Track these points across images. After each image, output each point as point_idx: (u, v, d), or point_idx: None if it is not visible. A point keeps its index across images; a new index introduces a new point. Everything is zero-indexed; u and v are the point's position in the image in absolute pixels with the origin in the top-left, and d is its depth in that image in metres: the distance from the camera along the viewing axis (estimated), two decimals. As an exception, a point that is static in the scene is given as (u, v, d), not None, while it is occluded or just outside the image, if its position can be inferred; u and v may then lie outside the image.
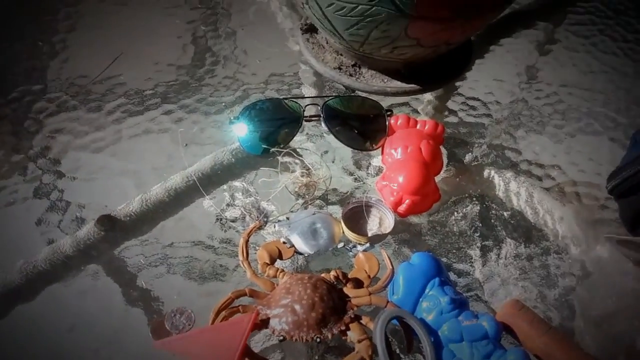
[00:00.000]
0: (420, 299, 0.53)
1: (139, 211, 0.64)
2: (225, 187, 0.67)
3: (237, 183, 0.68)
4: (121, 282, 0.59)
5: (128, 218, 0.63)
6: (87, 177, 0.69)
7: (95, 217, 0.62)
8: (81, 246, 0.61)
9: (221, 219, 0.64)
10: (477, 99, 0.79)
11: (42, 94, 0.79)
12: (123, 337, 0.56)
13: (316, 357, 0.53)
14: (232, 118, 0.69)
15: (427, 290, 0.53)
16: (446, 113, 0.77)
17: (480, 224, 0.64)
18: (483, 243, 0.62)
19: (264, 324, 0.51)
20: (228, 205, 0.64)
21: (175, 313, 0.54)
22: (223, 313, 0.51)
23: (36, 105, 0.77)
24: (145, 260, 0.61)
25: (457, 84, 0.81)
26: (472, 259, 0.61)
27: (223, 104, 0.78)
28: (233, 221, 0.63)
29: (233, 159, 0.70)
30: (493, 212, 0.65)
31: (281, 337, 0.50)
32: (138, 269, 0.60)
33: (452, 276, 0.59)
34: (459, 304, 0.52)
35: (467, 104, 0.78)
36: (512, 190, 0.63)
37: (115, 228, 0.62)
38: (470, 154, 0.71)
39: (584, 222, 0.63)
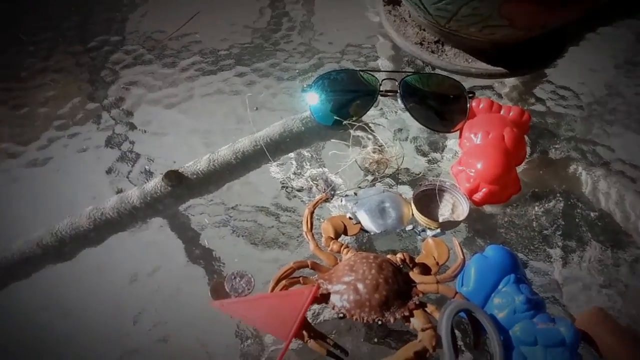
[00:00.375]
0: (492, 295, 0.50)
1: (206, 170, 0.63)
2: (293, 155, 0.66)
3: (305, 152, 0.66)
4: (184, 239, 0.59)
5: (195, 176, 0.63)
6: (158, 131, 0.69)
7: (163, 171, 0.62)
8: (148, 198, 0.61)
9: (287, 187, 0.62)
10: (569, 89, 0.73)
11: (119, 45, 0.80)
12: (182, 292, 0.56)
13: (375, 340, 0.51)
14: (305, 86, 0.67)
15: (500, 286, 0.50)
16: (532, 101, 0.72)
17: (563, 222, 0.59)
18: (565, 243, 0.58)
19: (324, 298, 0.49)
20: (295, 173, 0.63)
21: (236, 276, 0.54)
22: (283, 282, 0.50)
23: (113, 56, 0.78)
24: (209, 220, 0.60)
25: (547, 70, 0.75)
26: (551, 258, 0.57)
27: (297, 70, 0.76)
28: (299, 190, 0.62)
29: (303, 128, 0.68)
30: (578, 210, 0.60)
31: (341, 315, 0.48)
32: (201, 227, 0.60)
33: (528, 274, 0.55)
34: (535, 305, 0.48)
35: (557, 93, 0.73)
36: (602, 190, 0.58)
37: (181, 184, 0.62)
38: (556, 146, 0.66)
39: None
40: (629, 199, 0.57)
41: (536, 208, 0.61)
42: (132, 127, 0.69)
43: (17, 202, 0.63)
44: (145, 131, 0.69)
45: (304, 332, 0.47)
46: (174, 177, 0.61)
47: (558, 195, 0.62)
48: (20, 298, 0.55)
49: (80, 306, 0.55)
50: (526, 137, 0.64)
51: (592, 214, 0.60)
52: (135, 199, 0.60)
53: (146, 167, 0.65)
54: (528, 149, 0.64)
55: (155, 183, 0.62)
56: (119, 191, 0.62)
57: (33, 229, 0.58)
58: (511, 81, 0.74)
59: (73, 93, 0.73)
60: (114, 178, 0.64)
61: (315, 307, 0.52)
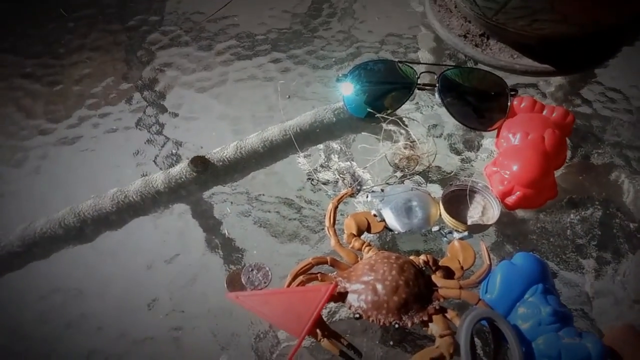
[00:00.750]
0: (517, 304, 0.47)
1: (233, 158, 0.63)
2: (321, 146, 0.64)
3: (334, 144, 0.64)
4: (205, 227, 0.59)
5: (221, 163, 0.62)
6: (188, 115, 0.69)
7: (190, 156, 0.62)
8: (172, 184, 0.61)
9: (312, 179, 0.61)
10: (619, 91, 0.69)
11: (157, 25, 0.80)
12: (198, 281, 0.55)
13: (391, 343, 0.50)
14: (340, 75, 0.66)
15: (526, 296, 0.47)
16: (578, 102, 0.68)
17: (600, 232, 0.56)
18: (599, 254, 0.55)
19: (341, 297, 0.48)
20: (322, 166, 0.61)
21: (253, 268, 0.53)
22: (301, 278, 0.49)
23: (151, 36, 0.78)
24: (232, 209, 0.60)
25: (597, 71, 0.71)
26: (583, 269, 0.54)
27: (333, 59, 0.75)
28: (325, 183, 0.60)
29: (334, 119, 0.66)
30: (617, 220, 0.57)
31: (357, 315, 0.47)
32: (223, 216, 0.59)
33: (558, 285, 0.52)
34: (562, 318, 0.46)
35: (606, 95, 0.69)
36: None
37: (207, 171, 0.61)
38: (599, 151, 0.63)
39: None
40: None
41: (572, 215, 0.58)
42: (163, 109, 0.69)
43: (43, 179, 0.64)
44: (175, 115, 0.69)
45: (318, 331, 0.46)
46: (200, 163, 0.61)
47: (597, 203, 0.58)
48: (37, 277, 0.56)
49: (96, 289, 0.55)
50: (568, 140, 0.61)
51: (631, 225, 0.56)
52: (159, 183, 0.60)
53: (173, 151, 0.65)
54: (569, 153, 0.60)
55: (180, 168, 0.61)
56: (145, 174, 0.62)
57: (56, 208, 0.59)
58: (557, 80, 0.70)
59: (108, 72, 0.74)
60: (141, 160, 0.64)
61: (332, 305, 0.51)
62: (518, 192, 0.55)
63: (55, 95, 0.72)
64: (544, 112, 0.60)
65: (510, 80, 0.65)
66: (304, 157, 0.62)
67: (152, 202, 0.60)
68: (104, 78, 0.73)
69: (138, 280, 0.56)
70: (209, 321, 0.52)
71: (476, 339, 0.48)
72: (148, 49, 0.76)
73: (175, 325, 0.52)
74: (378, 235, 0.56)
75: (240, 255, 0.56)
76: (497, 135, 0.61)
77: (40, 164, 0.65)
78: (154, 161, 0.64)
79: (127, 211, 0.59)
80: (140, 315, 0.53)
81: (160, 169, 0.63)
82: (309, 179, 0.61)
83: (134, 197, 0.60)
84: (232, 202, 0.60)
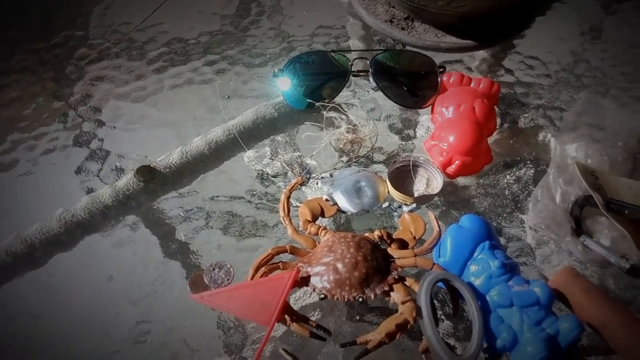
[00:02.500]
0: (469, 263, 0.51)
1: (179, 163, 0.63)
2: (267, 141, 0.65)
3: (279, 138, 0.66)
4: (160, 234, 0.59)
5: (168, 169, 0.62)
6: (128, 126, 0.68)
7: (135, 167, 0.61)
8: (120, 196, 0.60)
9: (262, 174, 0.62)
10: (536, 58, 0.74)
11: (84, 40, 0.78)
12: (161, 288, 0.55)
13: (357, 317, 0.52)
14: (276, 71, 0.67)
15: (476, 254, 0.51)
16: (502, 72, 0.73)
17: (534, 188, 0.60)
18: (537, 208, 0.59)
19: (304, 281, 0.50)
20: (270, 160, 0.62)
21: (214, 267, 0.53)
22: (263, 269, 0.50)
23: (78, 51, 0.77)
24: (184, 213, 0.60)
25: (515, 41, 0.75)
26: (523, 223, 0.58)
27: (267, 55, 0.76)
28: (274, 176, 0.61)
29: (276, 113, 0.67)
30: (548, 176, 0.61)
31: (322, 296, 0.48)
32: (177, 221, 0.59)
33: (502, 241, 0.55)
34: (510, 269, 0.49)
35: (525, 63, 0.73)
36: (569, 155, 0.58)
37: (154, 179, 0.61)
38: (525, 115, 0.67)
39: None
40: (595, 159, 0.57)
41: (507, 177, 0.61)
42: (101, 123, 0.68)
43: (-18, 209, 0.61)
44: (114, 127, 0.68)
45: (287, 317, 0.47)
46: (146, 173, 0.60)
47: (528, 162, 0.62)
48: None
49: (56, 312, 0.54)
50: (496, 108, 0.65)
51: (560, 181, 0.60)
52: (107, 197, 0.59)
53: (117, 164, 0.64)
54: (498, 120, 0.64)
55: (127, 180, 0.61)
56: (90, 191, 0.61)
57: (1, 237, 0.57)
58: (480, 54, 0.74)
59: (37, 92, 0.72)
60: (84, 178, 0.63)
61: (297, 293, 0.52)
62: (457, 161, 0.58)
63: (-16, 122, 0.69)
64: (472, 85, 0.63)
65: (438, 58, 0.68)
66: (251, 153, 0.63)
67: (101, 217, 0.59)
68: (34, 99, 0.71)
69: (98, 296, 0.55)
70: (176, 326, 0.52)
71: (436, 301, 0.51)
72: (77, 65, 0.75)
73: (144, 335, 0.52)
74: (332, 218, 0.58)
75: (200, 257, 0.57)
76: (432, 111, 0.64)
77: (-24, 194, 0.63)
78: (98, 176, 0.63)
79: (76, 230, 0.58)
80: (105, 331, 0.52)
81: (106, 183, 0.62)
82: (259, 174, 0.62)
83: (82, 214, 0.58)
84: (184, 207, 0.60)
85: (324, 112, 0.63)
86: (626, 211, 0.52)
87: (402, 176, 0.61)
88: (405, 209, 0.57)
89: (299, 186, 0.59)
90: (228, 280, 0.53)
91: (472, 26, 0.71)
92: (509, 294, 0.47)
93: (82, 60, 0.75)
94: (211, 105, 0.70)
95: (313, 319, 0.49)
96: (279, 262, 0.51)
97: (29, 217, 0.58)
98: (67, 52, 0.76)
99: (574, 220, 0.55)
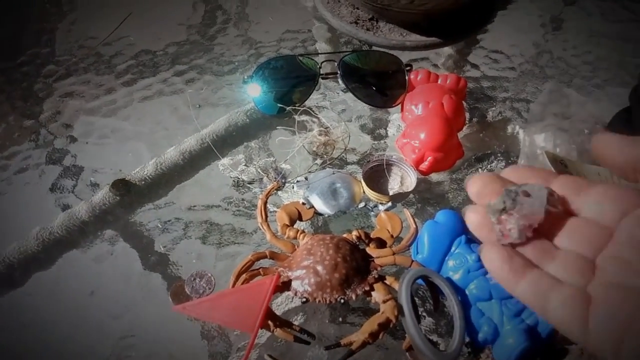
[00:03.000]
0: (446, 258, 0.51)
1: (154, 175, 0.63)
2: (241, 148, 0.66)
3: (253, 144, 0.66)
4: (139, 247, 0.59)
5: (143, 182, 0.62)
6: (100, 141, 0.68)
7: (109, 181, 0.61)
8: (97, 211, 0.60)
9: (238, 181, 0.62)
10: (500, 52, 0.76)
11: (50, 57, 0.77)
12: (142, 302, 0.55)
13: (340, 319, 0.52)
14: (245, 77, 0.67)
15: (453, 249, 0.51)
16: (468, 67, 0.74)
17: (506, 181, 0.61)
18: (510, 200, 0.60)
19: (285, 286, 0.50)
20: (245, 166, 0.63)
21: (195, 277, 0.54)
22: (243, 276, 0.50)
23: (45, 69, 0.76)
24: (162, 225, 0.60)
25: (479, 36, 0.77)
26: (498, 216, 0.59)
27: (236, 63, 0.76)
28: (250, 183, 0.62)
29: (248, 120, 0.68)
30: (519, 168, 0.62)
31: (304, 299, 0.49)
32: (155, 233, 0.59)
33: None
34: (487, 262, 0.50)
35: (490, 57, 0.75)
36: (538, 145, 0.60)
37: (130, 192, 0.61)
38: (493, 108, 0.69)
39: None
40: (563, 148, 0.59)
41: (480, 170, 0.63)
42: (73, 139, 0.68)
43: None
44: (86, 142, 0.68)
45: (270, 322, 0.47)
46: (122, 186, 0.60)
47: (499, 155, 0.64)
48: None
49: (38, 331, 0.54)
50: (464, 103, 0.66)
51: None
52: (83, 213, 0.59)
53: (91, 179, 0.64)
54: (467, 114, 0.66)
55: (102, 194, 0.60)
56: (66, 207, 0.61)
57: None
58: (446, 50, 0.76)
59: (6, 112, 0.71)
60: (59, 195, 0.63)
61: (279, 298, 0.53)
62: (429, 158, 0.59)
63: (-47, 145, 0.68)
64: (439, 81, 0.64)
65: (404, 56, 0.69)
66: (226, 161, 0.63)
67: (79, 233, 0.59)
68: (4, 118, 0.70)
69: (81, 313, 0.54)
70: (160, 338, 0.53)
71: (416, 299, 0.51)
72: (45, 82, 0.74)
73: (128, 349, 0.52)
74: (310, 221, 0.58)
75: (180, 268, 0.57)
76: (402, 110, 0.65)
77: (-50, 217, 0.62)
78: (73, 192, 0.63)
79: (55, 247, 0.58)
80: (90, 347, 0.52)
81: (81, 199, 0.61)
82: (234, 181, 0.62)
83: (60, 231, 0.58)
84: (161, 219, 0.60)
85: (295, 116, 0.64)
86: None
87: (377, 175, 0.62)
88: (381, 207, 0.58)
89: (275, 191, 0.59)
90: (210, 289, 0.53)
91: (435, 24, 0.72)
92: (488, 287, 0.48)
93: (50, 77, 0.75)
94: (183, 115, 0.70)
95: (296, 323, 0.49)
96: (259, 268, 0.51)
97: (5, 237, 0.58)
98: (34, 69, 0.76)
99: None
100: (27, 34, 0.82)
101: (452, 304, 0.48)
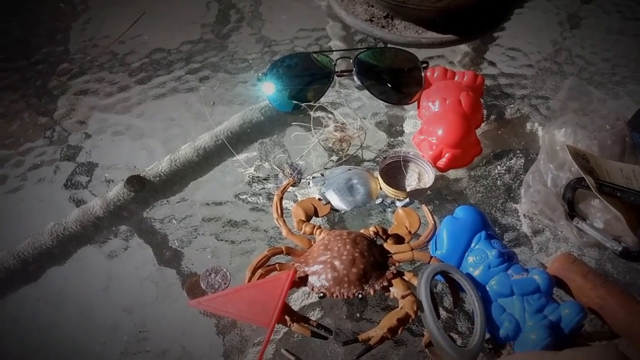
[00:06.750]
0: (466, 254, 0.51)
1: (169, 171, 0.62)
2: (256, 145, 0.65)
3: (268, 140, 0.65)
4: (153, 243, 0.58)
5: (157, 178, 0.62)
6: (114, 138, 0.68)
7: (124, 177, 0.60)
8: (111, 207, 0.59)
9: (253, 177, 0.61)
10: (518, 49, 0.75)
11: (65, 55, 0.77)
12: (157, 297, 0.54)
13: (358, 315, 0.51)
14: (260, 75, 0.67)
15: (473, 245, 0.51)
16: (484, 65, 0.73)
17: (525, 177, 0.60)
18: (530, 197, 0.59)
19: (302, 281, 0.49)
20: (260, 163, 0.62)
21: (211, 272, 0.53)
22: (259, 271, 0.49)
23: (60, 67, 0.76)
24: (177, 221, 0.59)
25: (495, 34, 0.76)
26: (518, 213, 0.58)
27: (250, 61, 0.76)
28: (266, 179, 0.61)
29: (262, 117, 0.67)
30: (539, 165, 0.61)
31: (321, 294, 0.48)
32: (170, 229, 0.59)
33: (498, 231, 0.56)
34: (508, 258, 0.49)
35: (507, 55, 0.74)
36: (558, 141, 0.59)
37: (145, 188, 0.60)
38: (512, 106, 0.68)
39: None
40: (584, 144, 0.58)
41: (498, 167, 0.62)
42: (87, 136, 0.68)
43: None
44: (101, 139, 0.67)
45: (286, 317, 0.46)
46: (136, 182, 0.60)
47: (518, 152, 0.63)
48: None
49: (52, 325, 0.53)
50: (482, 100, 0.65)
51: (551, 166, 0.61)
52: (98, 209, 0.59)
53: (106, 175, 0.63)
54: (485, 111, 0.65)
55: (117, 191, 0.60)
56: (80, 203, 0.60)
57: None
58: (462, 48, 0.75)
59: (21, 109, 0.71)
60: (73, 191, 0.62)
61: (296, 293, 0.52)
62: (447, 154, 0.58)
63: (-30, 140, 0.68)
64: (456, 78, 0.64)
65: (420, 54, 0.68)
66: (241, 158, 0.62)
67: (93, 229, 0.58)
68: (19, 115, 0.70)
69: (95, 308, 0.54)
70: (175, 333, 0.52)
71: (436, 294, 0.50)
72: (60, 80, 0.74)
73: (142, 344, 0.51)
74: (327, 218, 0.57)
75: (195, 263, 0.56)
76: (418, 106, 0.64)
77: (-35, 212, 0.62)
78: (87, 189, 0.62)
79: (69, 242, 0.57)
80: (104, 342, 0.52)
81: (95, 195, 0.61)
82: (249, 177, 0.61)
83: (74, 227, 0.58)
84: (176, 215, 0.60)
85: (311, 113, 0.63)
86: (618, 194, 0.52)
87: (394, 172, 0.61)
88: (398, 204, 0.58)
89: (290, 187, 0.59)
90: (225, 284, 0.53)
91: (451, 21, 0.72)
92: (509, 283, 0.48)
93: (64, 75, 0.74)
94: (197, 112, 0.70)
95: (313, 318, 0.49)
96: (275, 264, 0.50)
97: (20, 233, 0.57)
98: (49, 67, 0.76)
99: (567, 203, 0.55)
100: (41, 33, 0.82)
101: (472, 299, 0.47)
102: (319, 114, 0.64)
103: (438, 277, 0.49)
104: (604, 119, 0.59)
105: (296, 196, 0.59)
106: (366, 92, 0.66)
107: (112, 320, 0.53)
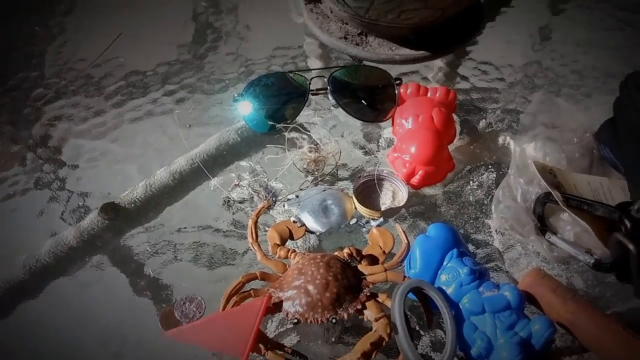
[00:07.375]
0: (439, 272, 0.51)
1: (144, 197, 0.62)
2: (231, 167, 0.65)
3: (243, 163, 0.65)
4: (128, 272, 0.58)
5: (132, 205, 0.62)
6: (89, 164, 0.68)
7: (98, 205, 0.60)
8: (85, 236, 0.59)
9: (228, 201, 0.61)
10: (490, 63, 0.76)
11: (40, 80, 0.77)
12: (131, 328, 0.54)
13: (333, 339, 0.52)
14: (235, 95, 0.67)
15: (445, 262, 0.51)
16: (457, 79, 0.74)
17: (497, 192, 0.61)
18: (501, 212, 0.59)
19: (277, 307, 0.49)
20: (235, 186, 0.62)
21: (185, 301, 0.53)
22: (234, 298, 0.49)
23: (34, 92, 0.75)
24: (152, 248, 0.59)
25: (468, 48, 0.77)
26: (490, 228, 0.59)
27: (227, 81, 0.76)
28: (241, 202, 0.61)
29: (239, 138, 0.67)
30: (510, 179, 0.62)
31: (295, 320, 0.48)
32: (144, 257, 0.58)
33: (471, 247, 0.56)
34: (479, 275, 0.50)
35: (479, 69, 0.75)
36: (529, 155, 0.60)
37: (119, 216, 0.60)
38: (484, 120, 0.68)
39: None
40: (553, 158, 0.59)
41: (471, 182, 0.62)
42: (61, 163, 0.67)
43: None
44: (75, 166, 0.67)
45: (261, 345, 0.46)
46: (111, 210, 0.60)
47: (490, 167, 0.64)
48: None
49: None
50: (455, 115, 0.65)
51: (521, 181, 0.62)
52: (71, 239, 0.58)
53: (80, 203, 0.63)
54: (458, 127, 0.65)
55: (91, 219, 0.60)
56: (54, 233, 0.60)
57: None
58: (436, 63, 0.76)
59: (-6, 138, 0.71)
60: (47, 220, 0.62)
61: (271, 319, 0.52)
62: (420, 171, 0.59)
63: (-60, 172, 0.68)
64: (429, 94, 0.64)
65: (394, 70, 0.69)
66: (216, 181, 0.62)
67: (67, 259, 0.58)
68: (-8, 144, 0.70)
69: (69, 342, 0.53)
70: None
71: (411, 315, 0.51)
72: (34, 106, 0.74)
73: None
74: (302, 240, 0.58)
75: (169, 292, 0.56)
76: (392, 124, 0.65)
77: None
78: (62, 218, 0.62)
79: (41, 275, 0.57)
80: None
81: (70, 224, 0.61)
82: (225, 201, 0.61)
83: (47, 259, 0.57)
84: (150, 242, 0.59)
85: (286, 133, 0.64)
86: (585, 207, 0.53)
87: (369, 191, 0.61)
88: (373, 223, 0.58)
89: (266, 210, 0.59)
90: (200, 313, 0.52)
91: (424, 37, 0.72)
92: (480, 300, 0.48)
93: (39, 101, 0.74)
94: (173, 135, 0.69)
95: (288, 344, 0.49)
96: (250, 290, 0.50)
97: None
98: (23, 93, 0.75)
99: (537, 218, 0.56)
100: (16, 57, 0.81)
101: (445, 317, 0.47)
102: (294, 134, 0.64)
103: (412, 296, 0.49)
104: (572, 132, 0.60)
105: (273, 219, 0.59)
106: (342, 110, 0.66)
107: (87, 352, 0.52)
